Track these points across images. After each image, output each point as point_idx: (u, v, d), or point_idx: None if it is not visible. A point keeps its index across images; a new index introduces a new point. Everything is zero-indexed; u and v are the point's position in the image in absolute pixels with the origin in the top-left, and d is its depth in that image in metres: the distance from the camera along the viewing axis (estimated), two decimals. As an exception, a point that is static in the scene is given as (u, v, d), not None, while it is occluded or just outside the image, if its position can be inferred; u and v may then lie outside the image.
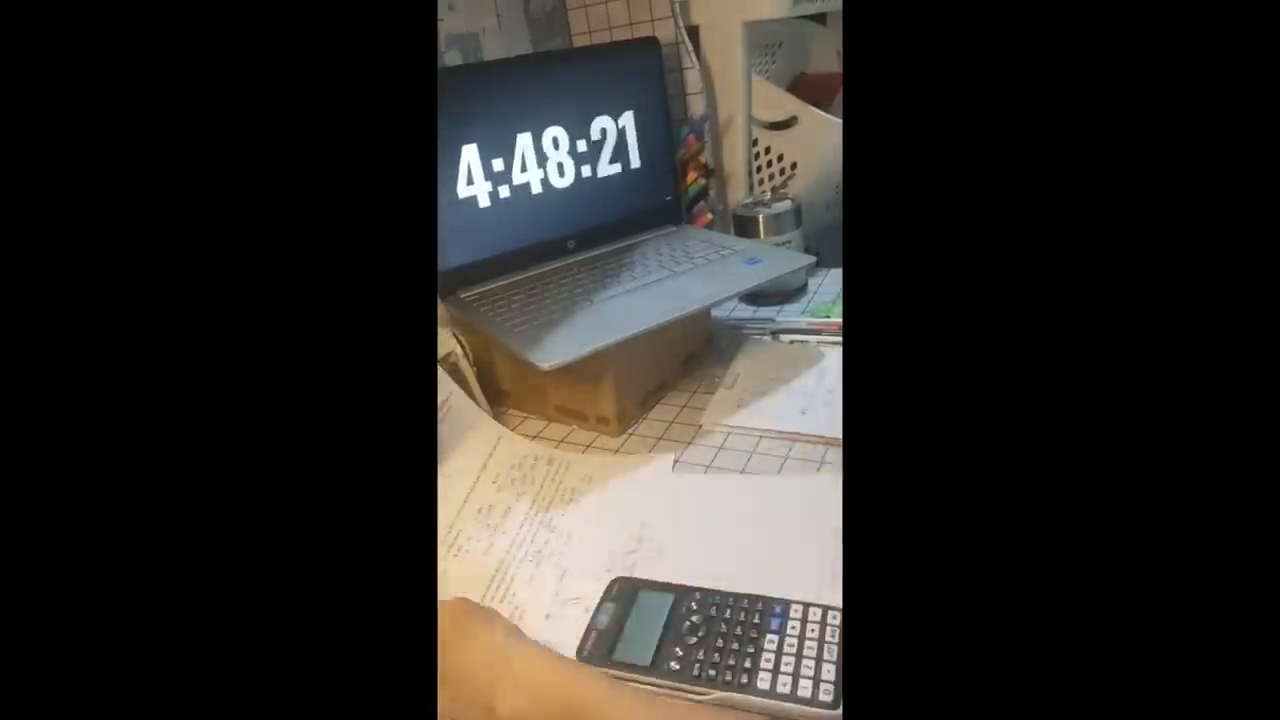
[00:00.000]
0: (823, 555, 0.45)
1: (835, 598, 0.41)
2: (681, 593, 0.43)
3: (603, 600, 0.44)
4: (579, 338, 0.59)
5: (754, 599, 0.42)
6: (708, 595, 0.43)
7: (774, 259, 0.73)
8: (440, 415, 0.61)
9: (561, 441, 0.65)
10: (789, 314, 0.81)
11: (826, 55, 1.05)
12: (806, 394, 0.64)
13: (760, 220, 0.82)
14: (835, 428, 0.58)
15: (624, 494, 0.56)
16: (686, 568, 0.47)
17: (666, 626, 0.41)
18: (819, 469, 0.55)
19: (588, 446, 0.63)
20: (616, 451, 0.62)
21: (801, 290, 0.85)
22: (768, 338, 0.76)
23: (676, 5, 0.84)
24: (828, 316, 0.78)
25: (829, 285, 0.87)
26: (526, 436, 0.66)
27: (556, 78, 0.73)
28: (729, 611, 0.42)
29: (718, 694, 0.38)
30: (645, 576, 0.46)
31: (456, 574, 0.50)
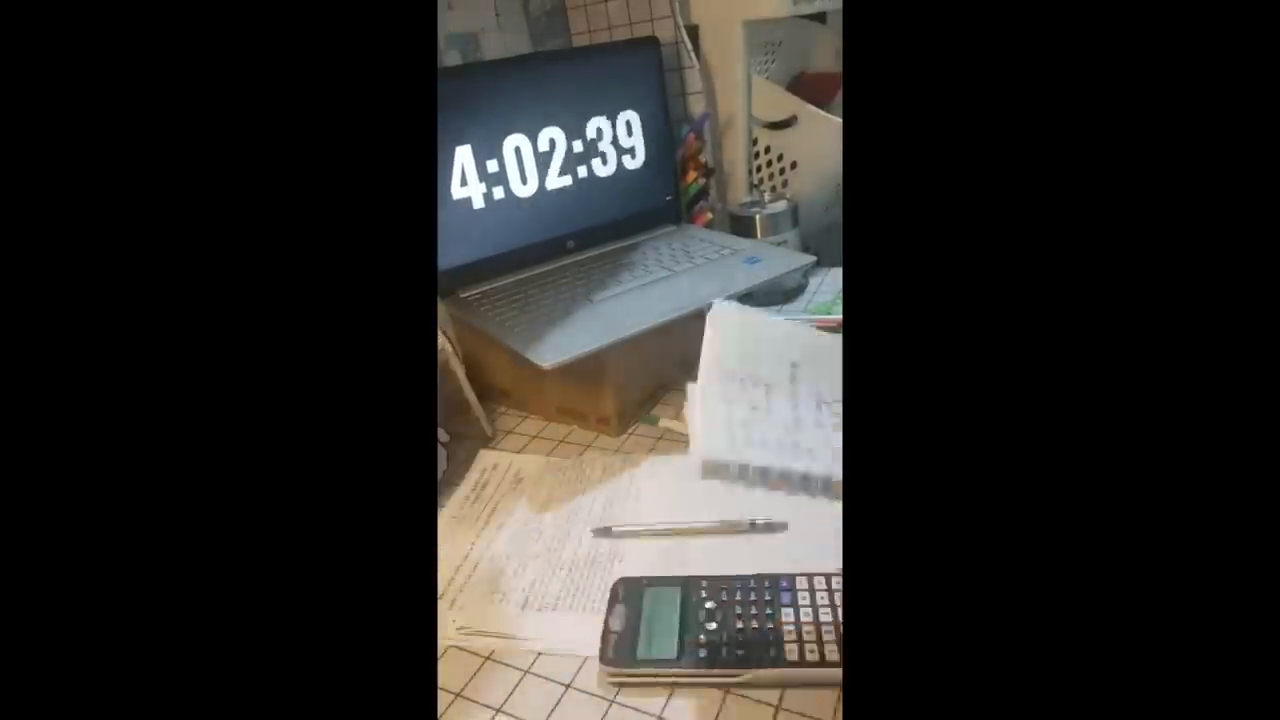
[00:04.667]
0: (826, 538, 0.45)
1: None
2: (687, 583, 0.44)
3: (611, 604, 0.44)
4: (579, 337, 0.59)
5: (759, 578, 0.43)
6: (714, 582, 0.43)
7: (773, 258, 0.73)
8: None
9: (561, 441, 0.65)
10: (789, 314, 0.81)
11: (826, 55, 1.05)
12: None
13: (757, 220, 0.82)
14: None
15: (625, 490, 0.56)
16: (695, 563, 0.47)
17: (682, 618, 0.42)
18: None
19: (588, 446, 0.63)
20: (616, 451, 0.62)
21: (800, 290, 0.85)
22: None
23: (676, 5, 0.84)
24: (827, 315, 0.78)
25: (828, 284, 0.87)
26: (527, 436, 0.66)
27: (556, 77, 0.73)
28: (739, 593, 0.42)
29: (750, 673, 0.38)
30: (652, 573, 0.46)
31: (455, 571, 0.50)
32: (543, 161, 0.73)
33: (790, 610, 0.41)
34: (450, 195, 0.68)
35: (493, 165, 0.70)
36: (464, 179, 0.68)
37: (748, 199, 0.86)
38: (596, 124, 0.76)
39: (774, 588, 0.42)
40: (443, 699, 0.41)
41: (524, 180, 0.72)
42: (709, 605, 0.42)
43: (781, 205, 0.83)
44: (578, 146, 0.75)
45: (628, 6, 0.87)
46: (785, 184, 0.90)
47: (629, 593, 0.44)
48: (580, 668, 0.42)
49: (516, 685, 0.41)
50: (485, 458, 0.63)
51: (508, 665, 0.43)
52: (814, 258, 0.76)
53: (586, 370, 0.60)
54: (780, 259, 0.73)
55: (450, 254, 0.69)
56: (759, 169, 0.92)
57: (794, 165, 0.90)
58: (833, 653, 0.38)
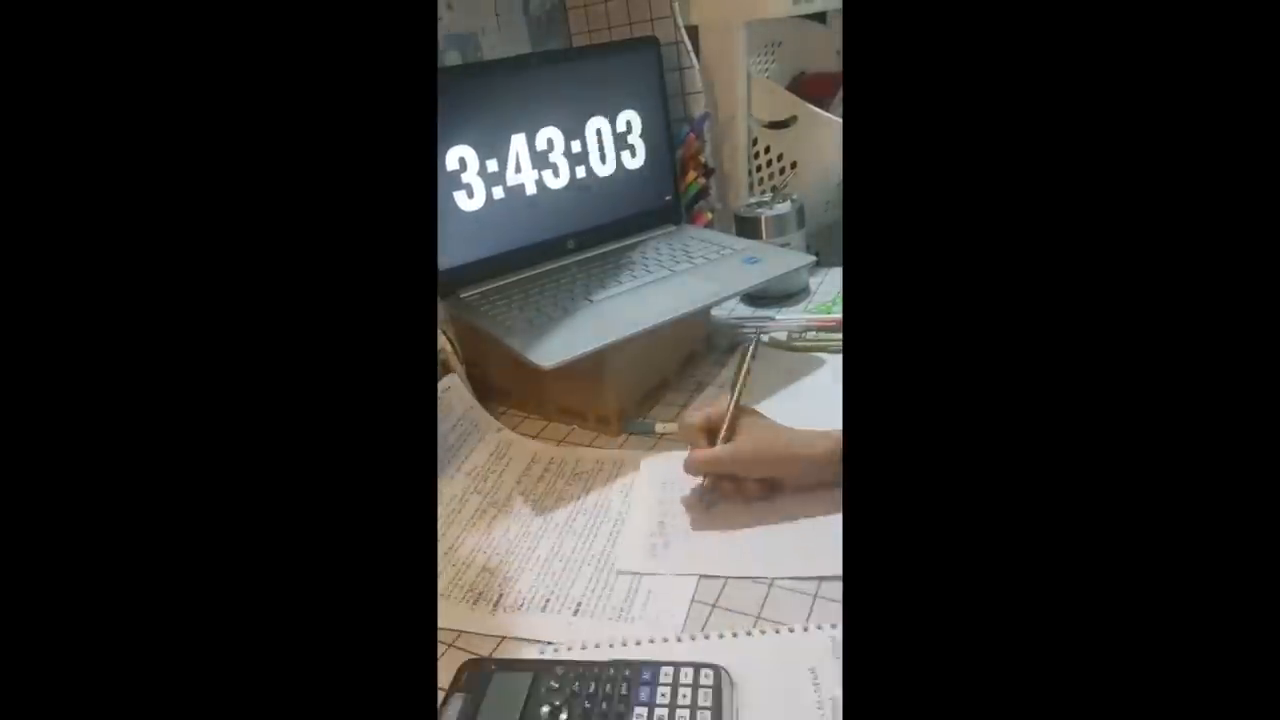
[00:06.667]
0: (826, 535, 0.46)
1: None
2: (540, 670, 0.39)
3: (450, 690, 0.39)
4: (579, 337, 0.59)
5: (620, 665, 0.39)
6: (569, 669, 0.39)
7: (773, 258, 0.73)
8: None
9: (562, 441, 0.65)
10: (788, 314, 0.81)
11: (826, 55, 1.05)
12: (806, 393, 0.64)
13: (763, 221, 0.82)
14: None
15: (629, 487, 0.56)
16: (701, 559, 0.48)
17: (523, 713, 0.37)
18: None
19: (588, 446, 0.63)
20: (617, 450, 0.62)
21: (804, 292, 0.85)
22: (766, 338, 0.76)
23: (676, 5, 0.84)
24: (827, 315, 0.77)
25: (829, 284, 0.87)
26: (527, 436, 0.66)
27: (556, 77, 0.73)
28: (593, 685, 0.38)
29: None
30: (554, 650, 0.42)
31: (457, 569, 0.50)
32: (542, 162, 0.73)
33: (644, 710, 0.37)
34: (450, 195, 0.68)
35: (493, 165, 0.70)
36: (464, 179, 0.68)
37: (753, 200, 0.86)
38: (596, 124, 0.76)
39: (634, 679, 0.38)
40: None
41: (524, 181, 0.72)
42: (555, 701, 0.38)
43: (787, 207, 0.83)
44: (577, 146, 0.75)
45: (628, 6, 0.87)
46: (785, 184, 0.90)
47: (472, 680, 0.39)
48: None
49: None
50: (494, 458, 0.63)
51: (508, 665, 0.43)
52: (814, 257, 0.76)
53: (586, 370, 0.60)
54: (780, 259, 0.73)
55: (450, 254, 0.68)
56: (759, 169, 0.92)
57: (794, 165, 0.90)
58: None
